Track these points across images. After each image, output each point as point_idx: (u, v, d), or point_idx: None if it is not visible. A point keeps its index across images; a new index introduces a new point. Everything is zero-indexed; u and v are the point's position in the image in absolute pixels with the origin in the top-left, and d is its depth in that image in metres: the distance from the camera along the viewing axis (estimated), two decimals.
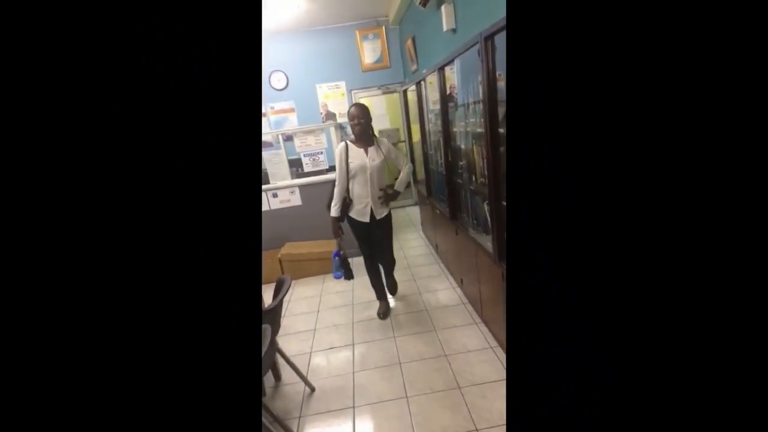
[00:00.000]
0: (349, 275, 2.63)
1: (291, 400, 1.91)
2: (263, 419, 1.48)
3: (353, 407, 1.80)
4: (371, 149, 2.32)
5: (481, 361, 1.99)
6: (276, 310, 1.65)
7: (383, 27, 4.96)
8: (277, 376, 2.10)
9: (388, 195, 2.38)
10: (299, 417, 1.78)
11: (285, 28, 4.63)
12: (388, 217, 2.43)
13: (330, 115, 5.14)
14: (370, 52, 5.05)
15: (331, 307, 2.94)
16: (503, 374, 1.90)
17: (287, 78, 5.02)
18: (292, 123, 5.13)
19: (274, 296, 1.71)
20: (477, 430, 1.55)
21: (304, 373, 2.06)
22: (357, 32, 4.94)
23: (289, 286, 1.71)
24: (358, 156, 2.30)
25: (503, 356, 2.00)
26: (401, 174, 2.46)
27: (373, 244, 2.49)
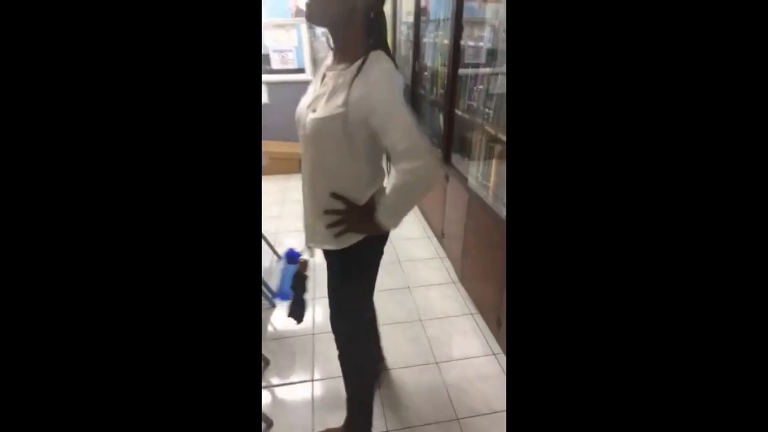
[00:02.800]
0: (297, 312, 1.23)
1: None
2: None
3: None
4: (334, 74, 0.89)
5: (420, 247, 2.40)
6: None
7: None
8: None
9: (345, 214, 0.95)
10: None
11: None
12: (343, 253, 1.00)
13: (300, 12, 4.91)
14: None
15: (294, 202, 3.22)
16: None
17: None
18: None
19: None
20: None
21: (272, 243, 2.40)
22: None
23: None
24: (311, 89, 1.00)
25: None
26: (394, 179, 0.88)
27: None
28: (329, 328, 1.19)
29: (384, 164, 1.00)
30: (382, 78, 0.82)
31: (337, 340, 1.18)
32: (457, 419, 1.44)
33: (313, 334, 1.83)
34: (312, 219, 1.01)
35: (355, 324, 1.14)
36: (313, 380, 1.60)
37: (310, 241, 1.05)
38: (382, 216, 0.91)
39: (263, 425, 1.40)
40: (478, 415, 1.45)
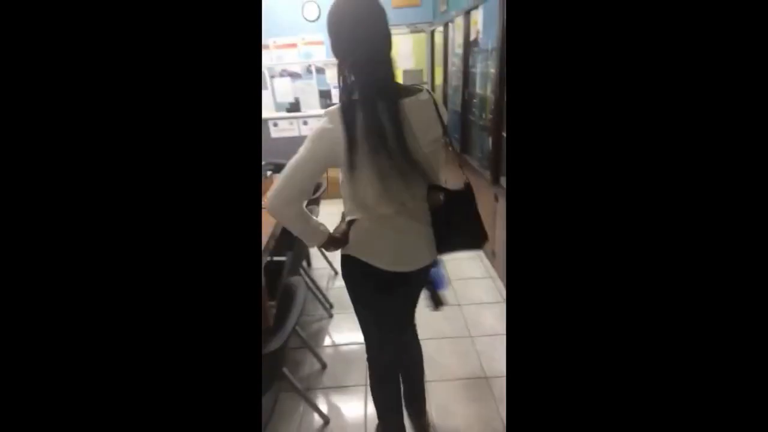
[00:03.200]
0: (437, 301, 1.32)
1: (320, 279, 2.46)
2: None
3: None
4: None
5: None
6: (311, 211, 2.11)
7: None
8: (309, 262, 2.65)
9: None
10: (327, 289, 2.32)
11: None
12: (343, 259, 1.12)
13: None
14: None
15: None
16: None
17: (320, 9, 5.16)
18: (320, 56, 5.33)
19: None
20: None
21: (330, 260, 2.59)
22: None
23: (317, 215, 2.09)
24: None
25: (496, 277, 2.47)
26: None
27: None
28: None
29: (361, 200, 0.98)
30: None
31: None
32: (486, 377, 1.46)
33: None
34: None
35: (364, 332, 1.20)
36: (366, 384, 1.70)
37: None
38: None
39: (321, 422, 1.52)
40: None
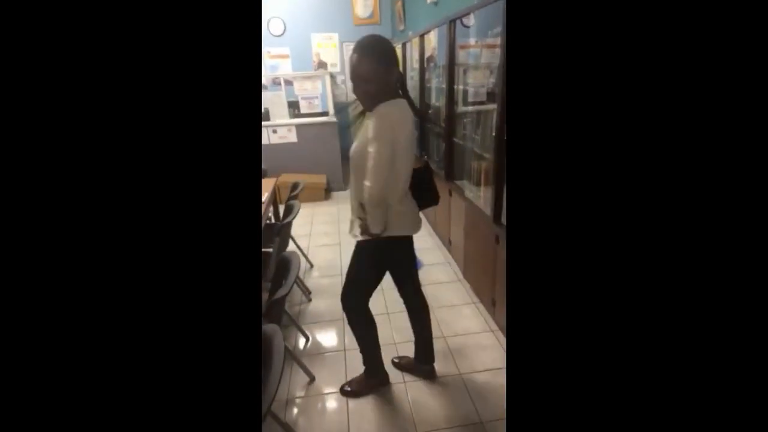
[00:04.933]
0: None
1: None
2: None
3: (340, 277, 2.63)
4: (368, 121, 1.31)
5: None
6: (287, 227, 2.30)
7: None
8: None
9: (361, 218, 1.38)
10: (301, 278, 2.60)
11: None
12: (360, 248, 1.49)
13: (322, 64, 5.64)
14: (362, 7, 5.50)
15: (321, 223, 3.72)
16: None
17: (284, 24, 5.45)
18: (286, 69, 5.60)
19: (285, 216, 2.34)
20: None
21: (305, 258, 2.86)
22: None
23: (298, 209, 2.26)
24: None
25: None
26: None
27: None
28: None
29: (395, 185, 1.33)
30: (377, 119, 1.22)
31: (344, 311, 1.62)
32: (460, 374, 1.80)
33: (343, 320, 2.24)
34: (353, 217, 1.47)
35: (356, 303, 1.59)
36: (345, 350, 1.99)
37: (351, 231, 1.50)
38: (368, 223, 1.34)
39: (307, 379, 1.80)
40: (476, 372, 1.81)
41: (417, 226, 1.48)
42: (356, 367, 1.83)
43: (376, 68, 1.21)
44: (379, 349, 1.71)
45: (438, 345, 1.97)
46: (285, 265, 1.48)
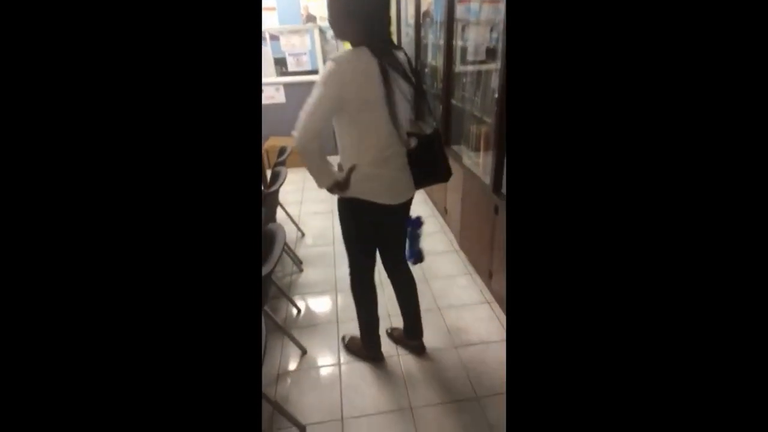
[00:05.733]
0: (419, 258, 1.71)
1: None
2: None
3: (334, 255, 2.56)
4: None
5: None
6: (273, 195, 2.15)
7: None
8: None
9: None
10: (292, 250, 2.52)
11: None
12: (338, 205, 1.42)
13: (311, 18, 5.28)
14: None
15: (313, 189, 3.60)
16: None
17: None
18: (272, 22, 5.24)
19: (271, 183, 2.16)
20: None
21: (295, 225, 2.77)
22: None
23: (285, 176, 2.08)
24: None
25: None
26: None
27: None
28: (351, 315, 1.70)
29: (367, 144, 1.23)
30: (326, 65, 1.11)
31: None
32: (455, 347, 1.77)
33: (336, 291, 2.18)
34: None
35: (352, 263, 1.53)
36: (337, 322, 1.95)
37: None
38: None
39: (300, 353, 1.75)
40: (471, 345, 1.79)
41: (393, 197, 1.31)
42: (349, 312, 1.79)
43: (337, 13, 1.13)
44: (376, 327, 1.65)
45: (432, 317, 1.93)
46: (270, 239, 1.38)
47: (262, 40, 4.29)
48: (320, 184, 1.27)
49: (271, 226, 1.46)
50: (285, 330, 1.78)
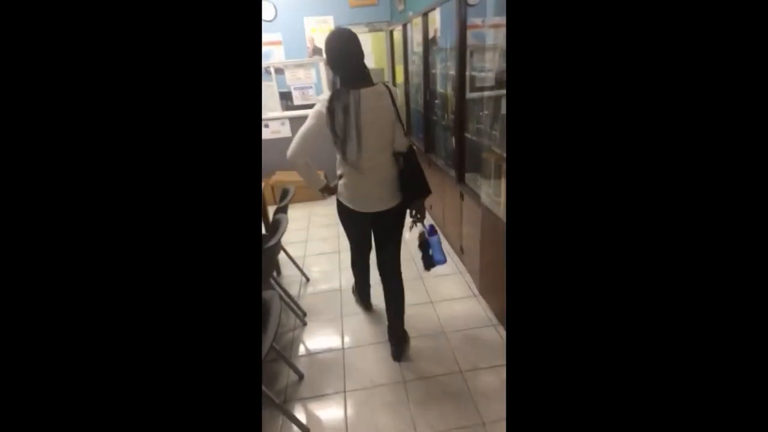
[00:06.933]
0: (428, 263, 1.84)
1: (290, 287, 2.43)
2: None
3: (340, 288, 2.33)
4: None
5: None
6: (272, 249, 1.96)
7: None
8: (278, 271, 2.60)
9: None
10: (298, 297, 2.29)
11: None
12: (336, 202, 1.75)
13: (317, 50, 5.25)
14: None
15: (318, 226, 3.40)
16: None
17: (276, 9, 5.04)
18: (278, 56, 5.22)
19: (271, 234, 1.99)
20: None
21: (301, 266, 2.55)
22: None
23: (286, 225, 1.90)
24: None
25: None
26: None
27: None
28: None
29: (346, 160, 1.53)
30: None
31: None
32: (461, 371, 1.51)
33: (342, 349, 1.94)
34: None
35: (352, 257, 2.00)
36: (345, 391, 1.69)
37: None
38: None
39: None
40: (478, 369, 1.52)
41: (365, 205, 1.61)
42: (357, 378, 1.54)
43: (326, 61, 1.47)
44: (365, 290, 2.13)
45: (454, 380, 1.67)
46: (265, 310, 1.17)
47: (262, 84, 4.22)
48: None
49: (266, 294, 1.24)
50: (282, 408, 1.53)
